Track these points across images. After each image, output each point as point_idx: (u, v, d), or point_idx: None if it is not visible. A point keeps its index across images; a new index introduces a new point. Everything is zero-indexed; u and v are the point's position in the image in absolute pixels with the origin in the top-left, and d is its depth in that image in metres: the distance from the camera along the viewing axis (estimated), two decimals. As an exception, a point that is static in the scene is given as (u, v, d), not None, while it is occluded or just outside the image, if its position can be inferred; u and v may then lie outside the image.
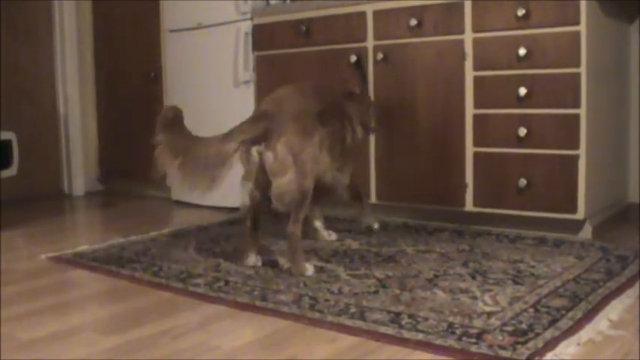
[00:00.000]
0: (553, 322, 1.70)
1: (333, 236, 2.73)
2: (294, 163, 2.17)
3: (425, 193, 2.98)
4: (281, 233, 2.44)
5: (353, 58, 3.08)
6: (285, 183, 2.17)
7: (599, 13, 2.70)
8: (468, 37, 2.79)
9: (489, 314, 1.77)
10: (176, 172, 2.11)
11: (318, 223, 2.72)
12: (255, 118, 2.25)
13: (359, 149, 2.84)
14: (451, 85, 2.85)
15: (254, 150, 2.19)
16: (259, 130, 2.17)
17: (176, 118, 2.19)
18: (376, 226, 2.73)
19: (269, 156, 2.16)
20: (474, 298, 1.92)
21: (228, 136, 2.16)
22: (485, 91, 2.77)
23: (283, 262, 2.32)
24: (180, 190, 2.12)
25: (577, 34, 2.54)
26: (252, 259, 2.36)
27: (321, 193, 2.42)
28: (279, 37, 3.39)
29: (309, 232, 2.61)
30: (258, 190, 2.30)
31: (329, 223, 2.79)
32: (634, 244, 2.51)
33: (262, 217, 2.37)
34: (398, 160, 3.04)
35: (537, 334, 1.61)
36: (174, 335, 1.74)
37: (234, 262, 2.40)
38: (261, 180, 2.25)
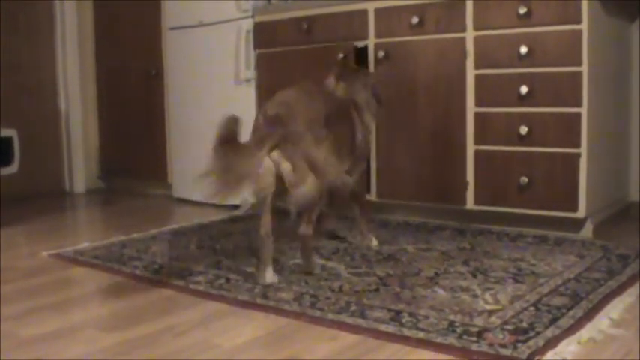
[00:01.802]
0: (554, 320, 1.70)
1: (374, 242, 2.64)
2: (312, 171, 2.11)
3: (426, 191, 2.98)
4: (286, 233, 2.39)
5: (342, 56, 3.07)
6: (305, 192, 2.11)
7: (601, 11, 2.70)
8: (470, 35, 2.78)
9: (490, 312, 1.77)
10: (222, 187, 2.00)
11: (363, 227, 2.64)
12: (269, 124, 2.14)
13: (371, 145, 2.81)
14: (452, 83, 2.85)
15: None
16: (278, 136, 2.09)
17: (235, 132, 2.05)
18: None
19: (287, 167, 2.09)
20: (475, 296, 1.92)
21: (258, 145, 2.08)
22: (487, 90, 2.76)
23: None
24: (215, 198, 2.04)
25: (578, 32, 2.54)
26: (270, 275, 2.15)
27: (330, 195, 2.38)
28: (281, 34, 3.38)
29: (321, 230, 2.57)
30: (272, 196, 2.19)
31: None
32: (635, 242, 2.51)
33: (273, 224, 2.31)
34: (399, 158, 3.04)
35: (538, 333, 1.61)
36: (175, 333, 1.74)
37: (242, 269, 2.40)
38: (275, 186, 2.16)
